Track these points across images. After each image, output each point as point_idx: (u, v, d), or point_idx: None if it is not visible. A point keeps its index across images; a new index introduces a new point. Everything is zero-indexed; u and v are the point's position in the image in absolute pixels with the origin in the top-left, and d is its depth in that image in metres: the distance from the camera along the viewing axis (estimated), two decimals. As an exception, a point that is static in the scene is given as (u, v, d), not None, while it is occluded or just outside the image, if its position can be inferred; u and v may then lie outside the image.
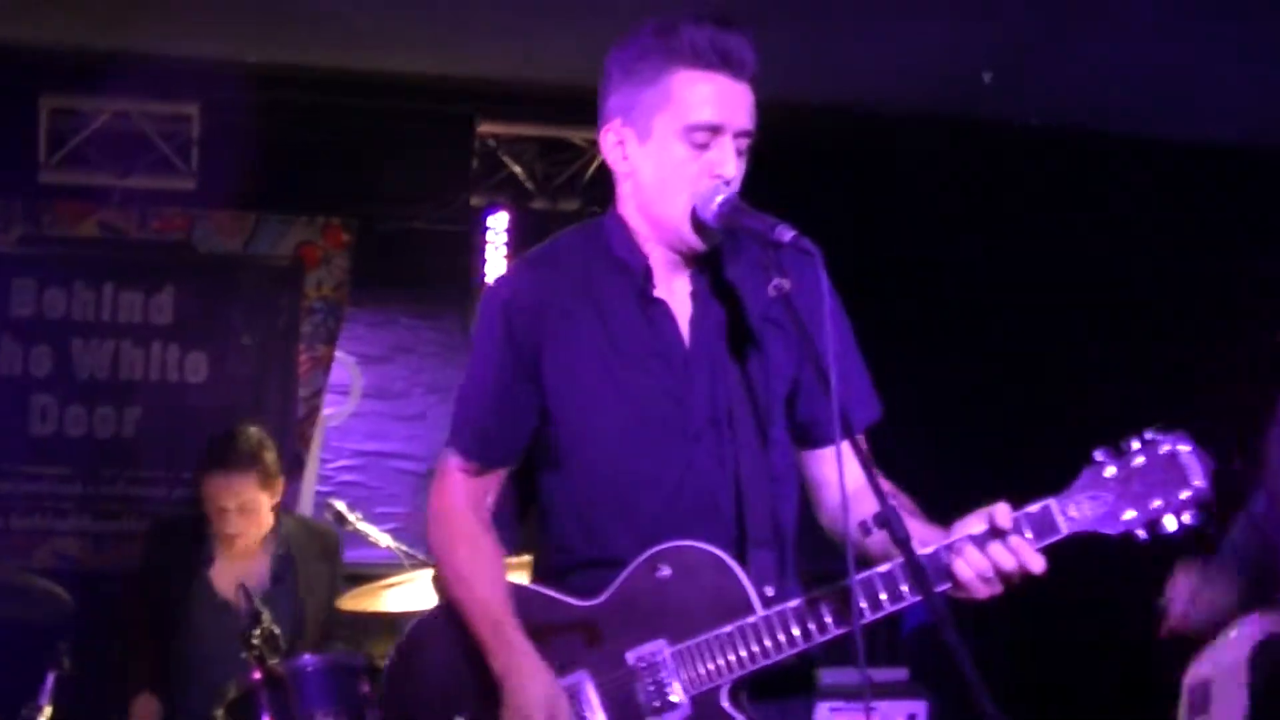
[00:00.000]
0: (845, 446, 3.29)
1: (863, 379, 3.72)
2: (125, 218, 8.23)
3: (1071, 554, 3.43)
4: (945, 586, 3.35)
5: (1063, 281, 8.45)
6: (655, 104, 3.49)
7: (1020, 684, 5.87)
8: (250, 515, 6.46)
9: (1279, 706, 4.84)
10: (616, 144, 3.58)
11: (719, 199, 3.43)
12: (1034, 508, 3.37)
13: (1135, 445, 3.39)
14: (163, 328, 8.28)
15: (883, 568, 3.37)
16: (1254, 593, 4.99)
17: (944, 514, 3.44)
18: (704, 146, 3.46)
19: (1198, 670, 5.13)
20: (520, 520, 3.85)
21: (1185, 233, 7.79)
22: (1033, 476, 3.52)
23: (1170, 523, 3.36)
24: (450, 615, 3.64)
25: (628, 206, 3.62)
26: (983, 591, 3.33)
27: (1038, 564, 3.30)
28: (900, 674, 7.50)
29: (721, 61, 3.46)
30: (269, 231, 8.46)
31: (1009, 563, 3.30)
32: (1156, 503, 3.35)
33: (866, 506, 3.24)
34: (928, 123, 8.12)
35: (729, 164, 3.47)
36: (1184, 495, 3.36)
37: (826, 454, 3.62)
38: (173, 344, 8.27)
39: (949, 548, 3.33)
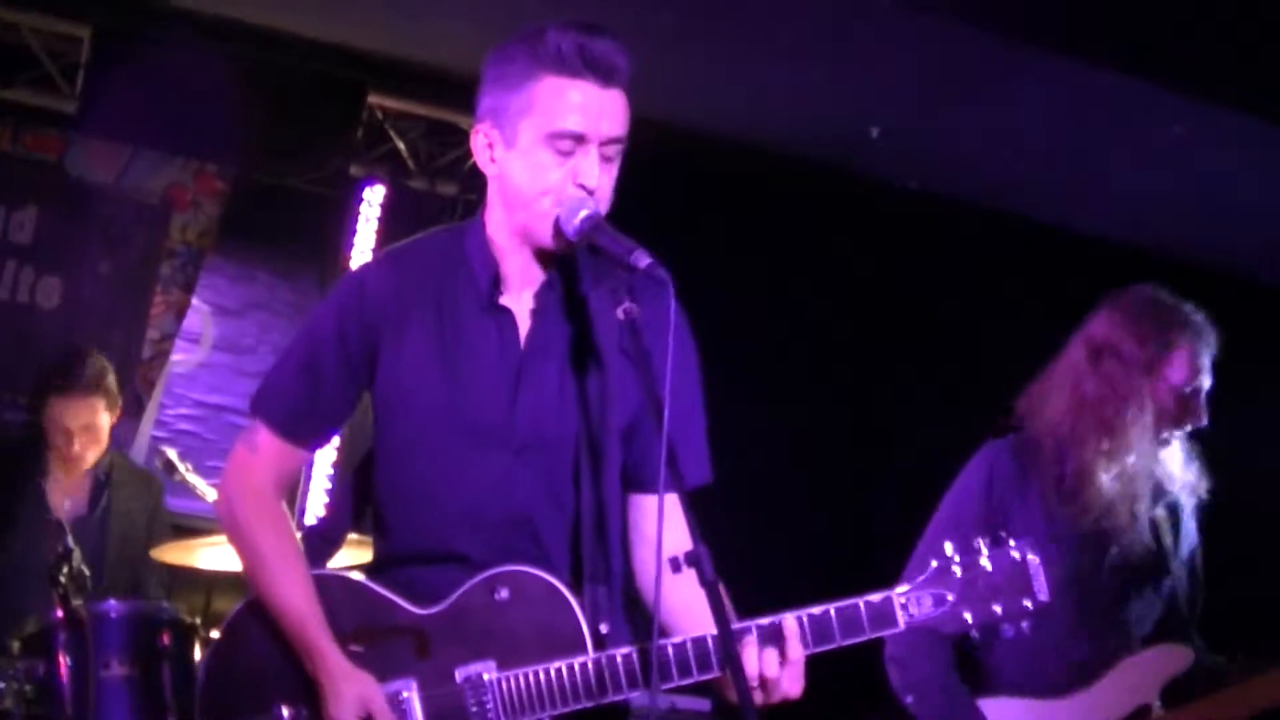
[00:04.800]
0: (672, 500, 3.25)
1: (700, 440, 3.70)
2: (-1, 129, 8.11)
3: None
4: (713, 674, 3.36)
5: (911, 341, 8.54)
6: (521, 109, 3.46)
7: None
8: (93, 436, 6.59)
9: None
10: (485, 146, 3.57)
11: (583, 214, 3.41)
12: (875, 597, 3.37)
13: (985, 548, 3.41)
14: (21, 247, 8.14)
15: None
16: None
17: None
18: (568, 154, 3.44)
19: None
20: (358, 514, 3.85)
21: (1029, 310, 7.88)
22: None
23: (1007, 629, 3.42)
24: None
25: (494, 209, 3.61)
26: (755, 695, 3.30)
27: (796, 688, 3.31)
28: (703, 704, 7.52)
29: (587, 67, 3.43)
30: (143, 167, 8.35)
31: (772, 671, 3.29)
32: (996, 609, 3.38)
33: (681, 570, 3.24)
34: (808, 168, 8.18)
35: (592, 174, 3.44)
36: (1025, 604, 3.39)
37: (649, 502, 3.60)
38: (28, 265, 8.13)
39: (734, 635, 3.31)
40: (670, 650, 3.37)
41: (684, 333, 3.62)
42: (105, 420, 6.64)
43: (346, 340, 3.59)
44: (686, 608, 3.41)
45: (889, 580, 3.47)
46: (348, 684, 3.46)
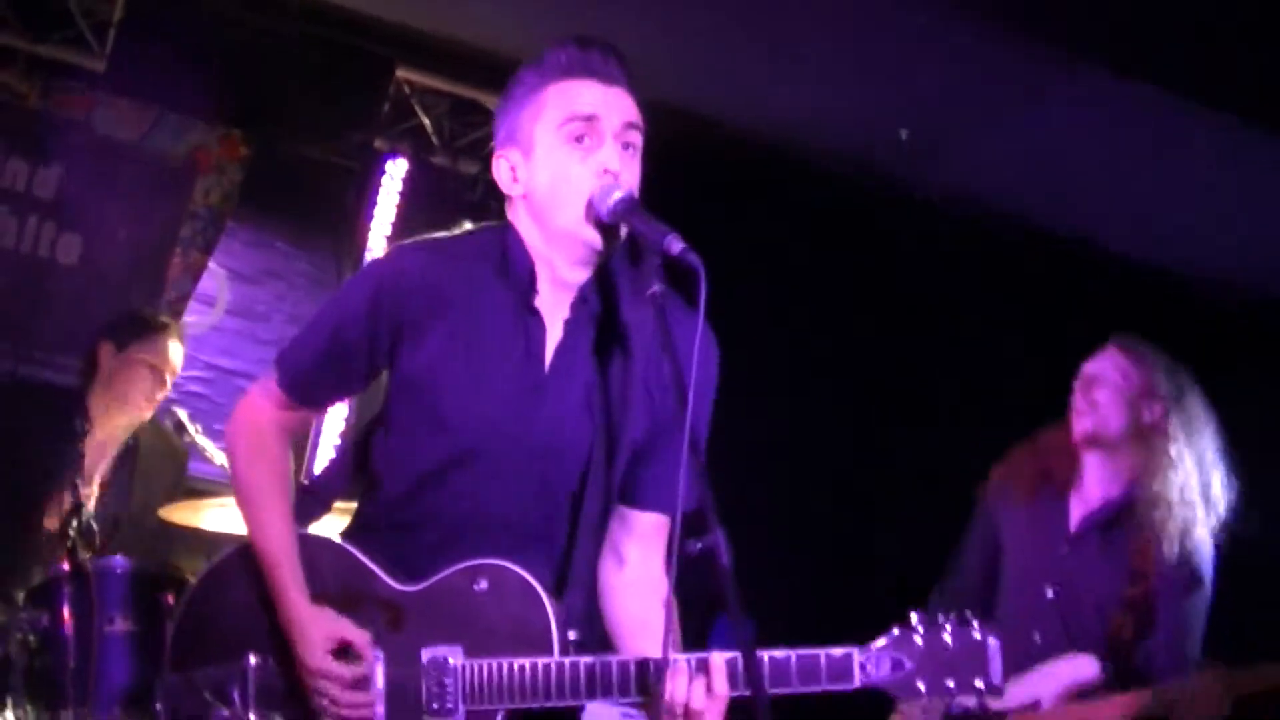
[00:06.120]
0: (658, 522, 3.56)
1: (699, 465, 3.70)
2: (29, 85, 8.10)
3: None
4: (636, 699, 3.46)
5: (921, 349, 8.54)
6: (532, 117, 3.59)
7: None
8: (173, 378, 6.78)
9: None
10: (508, 169, 3.66)
11: (616, 195, 3.48)
12: (837, 652, 3.43)
13: (949, 624, 3.46)
14: (44, 202, 8.13)
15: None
16: None
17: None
18: (583, 139, 3.53)
19: None
20: (358, 471, 3.88)
21: (1053, 331, 7.90)
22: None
23: (955, 705, 3.49)
24: (250, 555, 3.70)
25: (524, 226, 3.66)
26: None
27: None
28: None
29: (588, 71, 3.58)
30: (168, 128, 8.33)
31: (698, 702, 3.35)
32: (950, 683, 3.43)
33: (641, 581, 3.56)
34: (836, 167, 8.19)
35: (613, 157, 3.53)
36: (978, 684, 3.43)
37: (634, 517, 3.73)
38: (50, 221, 8.13)
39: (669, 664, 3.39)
40: (615, 667, 3.44)
41: (709, 346, 3.66)
42: None
43: (377, 319, 3.63)
44: (631, 623, 3.59)
45: (885, 591, 3.53)
46: (314, 625, 3.54)
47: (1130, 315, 7.93)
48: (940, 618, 3.46)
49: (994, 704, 5.12)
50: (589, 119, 3.54)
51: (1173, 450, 5.30)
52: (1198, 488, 5.30)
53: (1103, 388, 5.43)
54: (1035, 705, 5.19)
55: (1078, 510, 5.48)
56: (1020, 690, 5.20)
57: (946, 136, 7.70)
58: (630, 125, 3.58)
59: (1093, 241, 8.41)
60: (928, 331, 8.46)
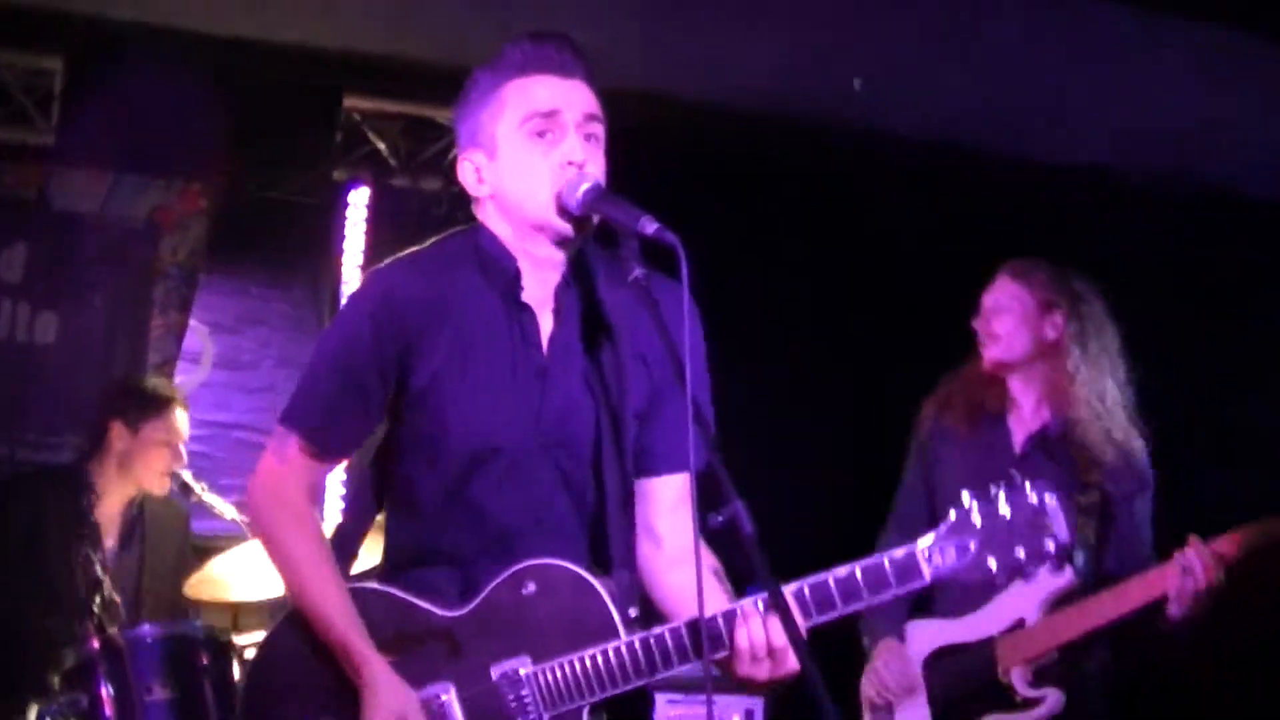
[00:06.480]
0: (682, 487, 3.52)
1: (707, 424, 3.65)
2: (-22, 170, 8.07)
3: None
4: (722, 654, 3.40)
5: (916, 293, 8.50)
6: (493, 116, 3.57)
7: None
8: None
9: (958, 713, 5.30)
10: (473, 170, 3.62)
11: (584, 186, 3.46)
12: (899, 552, 3.40)
13: (1001, 493, 3.41)
14: (13, 285, 8.11)
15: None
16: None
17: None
18: (545, 135, 3.51)
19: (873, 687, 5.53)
20: (378, 508, 3.82)
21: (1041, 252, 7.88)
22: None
23: (1033, 572, 3.43)
24: (301, 622, 3.62)
25: (496, 224, 3.63)
26: (746, 668, 3.37)
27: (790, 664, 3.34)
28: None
29: (544, 66, 3.55)
30: (126, 192, 8.30)
31: (780, 640, 3.32)
32: (1020, 553, 3.38)
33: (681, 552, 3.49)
34: (798, 126, 8.16)
35: (576, 149, 3.51)
36: (1049, 547, 3.38)
37: (653, 485, 3.69)
38: (23, 302, 8.10)
39: (734, 613, 3.38)
40: (684, 630, 3.41)
41: (694, 316, 3.62)
42: None
43: (382, 339, 3.57)
44: (683, 593, 3.47)
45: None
46: (387, 694, 3.45)
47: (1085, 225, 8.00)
48: (991, 490, 3.41)
49: (973, 634, 5.32)
50: (549, 114, 3.52)
51: (1082, 360, 5.41)
52: (1114, 391, 5.42)
53: (999, 316, 5.53)
54: (1020, 623, 5.26)
55: (1019, 432, 5.54)
56: (1001, 612, 5.29)
57: (905, 76, 7.66)
58: (591, 116, 3.56)
59: (1052, 161, 8.38)
60: (911, 277, 8.43)
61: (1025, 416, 5.53)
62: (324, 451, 3.67)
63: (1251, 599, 5.18)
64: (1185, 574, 4.92)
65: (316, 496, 3.77)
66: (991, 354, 5.52)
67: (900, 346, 8.32)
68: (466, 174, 3.63)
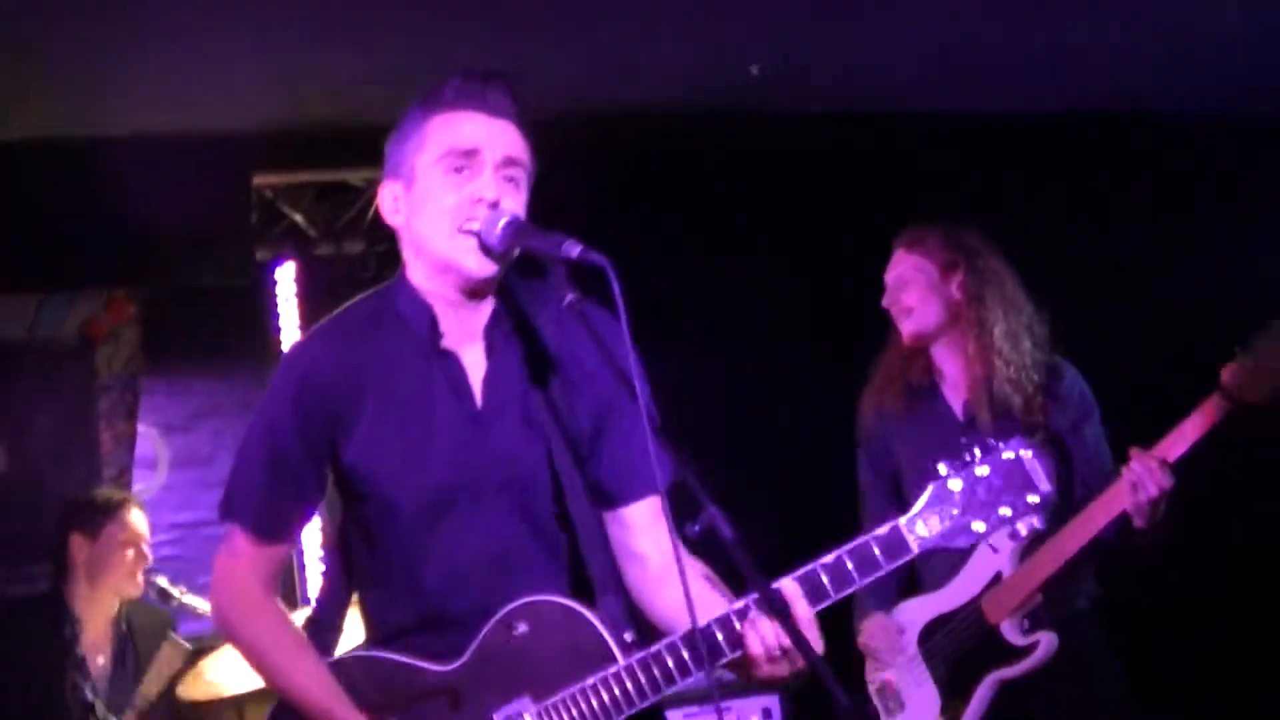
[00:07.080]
0: (654, 507, 3.45)
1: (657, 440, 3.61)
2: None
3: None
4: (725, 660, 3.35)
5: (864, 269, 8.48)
6: (415, 149, 3.54)
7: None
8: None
9: (961, 678, 5.27)
10: (392, 199, 3.60)
11: (503, 222, 3.42)
12: (883, 529, 3.37)
13: (977, 454, 3.39)
14: (-46, 420, 8.03)
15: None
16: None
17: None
18: (461, 172, 3.48)
19: (876, 675, 5.56)
20: (352, 587, 3.77)
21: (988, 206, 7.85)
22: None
23: (1021, 529, 3.38)
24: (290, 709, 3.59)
25: (412, 264, 3.60)
26: (766, 669, 3.32)
27: (818, 646, 3.27)
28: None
29: (472, 103, 3.52)
30: (53, 311, 8.26)
31: (786, 639, 3.26)
32: (1005, 511, 3.36)
33: (668, 568, 3.37)
34: (706, 120, 8.12)
35: (489, 186, 3.46)
36: (1032, 500, 3.37)
37: (626, 514, 3.64)
38: (-33, 436, 8.03)
39: (740, 613, 3.34)
40: (682, 642, 3.37)
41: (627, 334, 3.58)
42: None
43: (308, 424, 3.54)
44: (679, 608, 3.34)
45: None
46: None
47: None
48: (967, 455, 3.39)
49: (957, 600, 5.33)
50: (469, 152, 3.48)
51: (990, 312, 5.40)
52: (1026, 334, 5.41)
53: (906, 289, 5.55)
54: (998, 578, 5.26)
55: (955, 400, 5.54)
56: (978, 572, 5.30)
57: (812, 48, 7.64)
58: (511, 160, 3.51)
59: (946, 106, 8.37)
60: (857, 244, 8.41)
61: (957, 382, 5.53)
62: (271, 537, 3.64)
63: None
64: (1136, 489, 4.92)
65: (273, 582, 3.68)
66: (908, 328, 5.53)
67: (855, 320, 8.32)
68: (385, 201, 3.61)
